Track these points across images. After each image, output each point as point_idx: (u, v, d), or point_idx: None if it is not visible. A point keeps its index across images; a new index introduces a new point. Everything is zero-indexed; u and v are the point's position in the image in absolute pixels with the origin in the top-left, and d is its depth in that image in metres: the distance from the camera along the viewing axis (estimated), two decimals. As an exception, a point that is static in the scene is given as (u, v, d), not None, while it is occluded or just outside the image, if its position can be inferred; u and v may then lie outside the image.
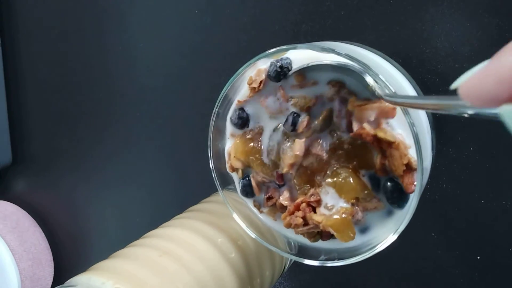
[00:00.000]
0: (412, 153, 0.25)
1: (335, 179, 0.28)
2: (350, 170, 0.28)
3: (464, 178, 0.35)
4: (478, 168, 0.35)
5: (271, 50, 0.27)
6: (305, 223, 0.29)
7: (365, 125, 0.26)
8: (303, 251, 0.31)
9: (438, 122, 0.35)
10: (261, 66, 0.29)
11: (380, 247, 0.27)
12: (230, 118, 0.31)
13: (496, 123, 0.36)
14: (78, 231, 0.55)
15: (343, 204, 0.28)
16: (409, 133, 0.25)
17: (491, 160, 0.34)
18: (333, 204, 0.28)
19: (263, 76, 0.29)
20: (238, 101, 0.30)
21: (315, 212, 0.29)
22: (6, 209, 0.56)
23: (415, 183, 0.25)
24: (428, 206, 0.37)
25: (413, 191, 0.26)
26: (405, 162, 0.25)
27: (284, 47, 0.27)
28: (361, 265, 0.40)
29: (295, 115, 0.29)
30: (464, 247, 0.37)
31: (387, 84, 0.25)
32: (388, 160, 0.26)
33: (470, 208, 0.36)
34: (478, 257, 0.36)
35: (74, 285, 0.28)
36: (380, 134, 0.25)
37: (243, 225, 0.31)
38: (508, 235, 0.35)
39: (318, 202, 0.29)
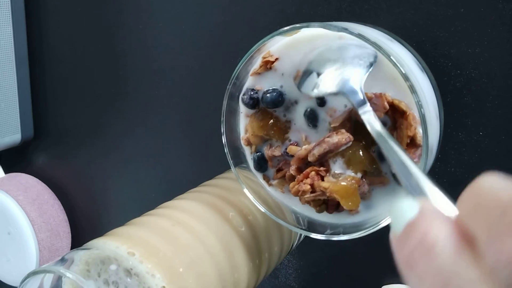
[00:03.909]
0: (419, 130, 0.26)
1: (344, 150, 0.29)
2: (361, 144, 0.29)
3: (473, 162, 0.36)
4: (487, 153, 0.35)
5: (285, 28, 0.28)
6: (313, 190, 0.30)
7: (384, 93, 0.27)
8: (310, 226, 0.32)
9: (449, 106, 0.35)
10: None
11: (384, 223, 0.28)
12: (242, 98, 0.32)
13: (506, 108, 0.36)
14: (96, 205, 0.57)
15: (350, 173, 0.29)
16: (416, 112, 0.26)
17: (500, 145, 0.35)
18: (341, 173, 0.29)
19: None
20: (253, 72, 0.32)
21: (323, 180, 0.30)
22: (27, 181, 0.57)
23: (415, 159, 0.26)
24: (436, 189, 0.37)
25: None
26: (410, 134, 0.26)
27: (298, 25, 0.28)
28: (367, 245, 0.40)
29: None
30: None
31: (397, 63, 0.26)
32: (397, 131, 0.27)
33: (478, 193, 0.36)
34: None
35: (89, 248, 0.30)
36: (396, 102, 0.27)
37: (253, 198, 0.32)
38: (515, 220, 0.36)
39: (327, 170, 0.30)
